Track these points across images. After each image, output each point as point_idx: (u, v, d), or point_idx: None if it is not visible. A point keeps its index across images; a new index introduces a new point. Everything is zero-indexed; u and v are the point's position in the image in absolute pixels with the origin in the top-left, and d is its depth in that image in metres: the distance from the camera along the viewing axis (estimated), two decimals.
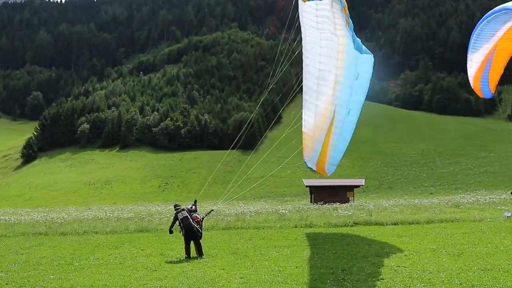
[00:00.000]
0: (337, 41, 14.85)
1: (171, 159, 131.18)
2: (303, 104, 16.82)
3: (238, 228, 25.23)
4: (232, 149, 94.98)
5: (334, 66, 15.27)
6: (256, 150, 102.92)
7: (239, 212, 32.41)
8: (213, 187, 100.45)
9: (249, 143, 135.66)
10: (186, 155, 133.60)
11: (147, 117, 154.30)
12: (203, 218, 17.53)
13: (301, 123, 17.31)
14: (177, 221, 16.88)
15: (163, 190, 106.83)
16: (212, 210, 18.90)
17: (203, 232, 17.32)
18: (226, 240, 20.54)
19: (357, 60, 14.60)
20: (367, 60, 14.61)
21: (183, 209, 17.00)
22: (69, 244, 21.13)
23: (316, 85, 16.15)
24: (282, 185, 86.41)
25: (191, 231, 16.52)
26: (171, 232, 17.35)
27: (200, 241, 16.80)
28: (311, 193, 50.69)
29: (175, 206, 17.67)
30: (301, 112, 17.11)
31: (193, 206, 17.64)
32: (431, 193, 71.51)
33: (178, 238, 18.15)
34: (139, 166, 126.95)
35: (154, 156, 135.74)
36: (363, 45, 14.27)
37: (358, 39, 14.16)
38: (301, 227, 24.74)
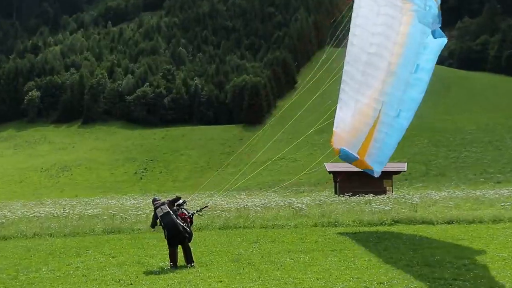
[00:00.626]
0: (399, 19, 14.72)
1: (151, 137, 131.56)
2: (339, 95, 16.66)
3: (241, 227, 25.40)
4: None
5: (389, 52, 15.11)
6: (262, 126, 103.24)
7: (242, 206, 32.49)
8: (207, 174, 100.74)
9: (254, 116, 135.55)
10: (171, 131, 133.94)
11: (118, 82, 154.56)
12: (193, 214, 17.49)
13: (333, 120, 17.14)
14: (158, 219, 16.81)
15: (141, 178, 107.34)
16: (207, 206, 18.86)
17: (193, 232, 17.29)
18: (225, 243, 20.62)
19: (421, 48, 14.41)
20: (435, 47, 14.36)
21: (163, 203, 16.89)
22: (13, 252, 21.22)
23: (361, 74, 15.98)
24: (297, 171, 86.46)
25: (175, 231, 16.41)
26: (153, 227, 17.29)
27: (189, 244, 16.78)
28: (335, 182, 50.78)
29: (153, 201, 17.58)
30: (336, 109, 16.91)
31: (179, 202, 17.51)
32: (498, 182, 71.34)
33: (161, 241, 18.17)
34: (108, 146, 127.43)
35: (128, 134, 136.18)
36: (438, 26, 13.96)
37: (436, 16, 13.86)
38: (323, 226, 24.88)
